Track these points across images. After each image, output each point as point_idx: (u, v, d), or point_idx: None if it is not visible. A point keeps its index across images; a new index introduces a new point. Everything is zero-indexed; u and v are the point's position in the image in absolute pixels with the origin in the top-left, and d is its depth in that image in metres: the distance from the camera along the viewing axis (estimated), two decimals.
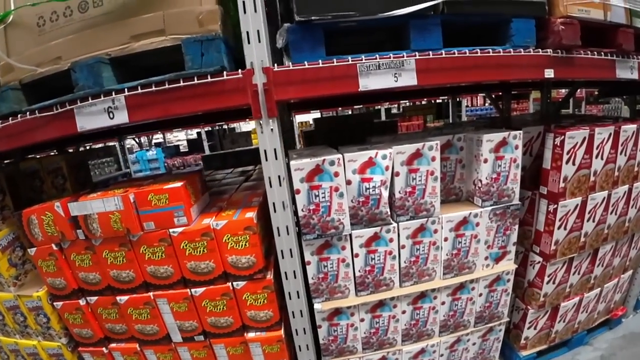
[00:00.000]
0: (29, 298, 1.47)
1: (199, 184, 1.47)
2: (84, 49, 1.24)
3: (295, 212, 1.34)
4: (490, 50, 1.30)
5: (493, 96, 4.19)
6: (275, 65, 1.17)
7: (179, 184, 1.30)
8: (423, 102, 8.36)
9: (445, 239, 1.49)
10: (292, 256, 1.33)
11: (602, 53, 1.53)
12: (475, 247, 1.53)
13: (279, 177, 1.24)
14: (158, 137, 8.75)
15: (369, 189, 1.34)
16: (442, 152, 1.55)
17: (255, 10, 1.13)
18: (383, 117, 7.58)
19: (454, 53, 1.25)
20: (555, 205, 1.57)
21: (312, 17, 1.13)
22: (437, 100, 8.17)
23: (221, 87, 1.17)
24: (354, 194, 1.34)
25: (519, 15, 1.32)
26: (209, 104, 1.19)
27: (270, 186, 1.25)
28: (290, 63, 1.17)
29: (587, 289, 1.88)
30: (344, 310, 1.47)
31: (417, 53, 1.22)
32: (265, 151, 1.22)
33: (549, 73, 1.38)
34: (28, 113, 1.29)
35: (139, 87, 1.19)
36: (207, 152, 6.44)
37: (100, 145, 6.25)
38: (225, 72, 1.16)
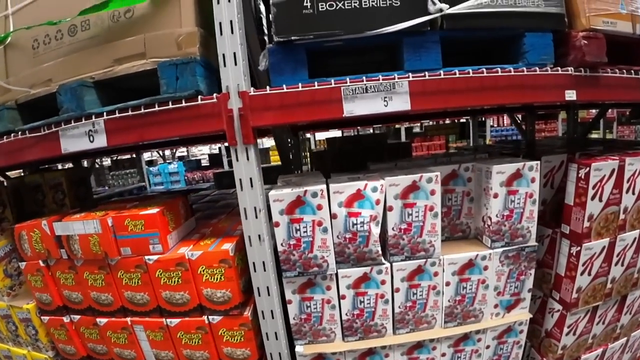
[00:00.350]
0: (20, 309, 1.43)
1: (181, 209, 1.35)
2: (71, 72, 1.19)
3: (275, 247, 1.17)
4: (499, 69, 1.07)
5: (519, 117, 3.75)
6: (252, 89, 1.02)
7: (154, 211, 1.17)
8: (446, 122, 7.94)
9: (447, 284, 1.24)
10: (269, 294, 1.15)
11: (632, 71, 1.25)
12: (482, 294, 1.27)
13: (254, 208, 1.08)
14: (183, 151, 8.83)
15: (356, 224, 1.14)
16: (447, 184, 1.32)
17: (232, 32, 0.99)
18: (403, 137, 7.27)
19: (455, 73, 1.04)
20: (579, 248, 1.28)
21: (292, 37, 0.98)
22: (461, 120, 7.73)
23: (196, 112, 1.04)
24: (340, 229, 1.14)
25: (533, 29, 1.08)
26: (184, 129, 1.06)
27: (246, 218, 1.09)
28: (268, 87, 1.02)
29: (612, 339, 1.54)
30: (329, 357, 1.26)
31: (410, 74, 1.02)
32: (240, 180, 1.06)
33: (571, 95, 1.13)
34: (20, 133, 1.24)
35: (117, 111, 1.09)
36: (226, 167, 6.33)
37: (127, 156, 6.41)
38: (200, 97, 1.03)
